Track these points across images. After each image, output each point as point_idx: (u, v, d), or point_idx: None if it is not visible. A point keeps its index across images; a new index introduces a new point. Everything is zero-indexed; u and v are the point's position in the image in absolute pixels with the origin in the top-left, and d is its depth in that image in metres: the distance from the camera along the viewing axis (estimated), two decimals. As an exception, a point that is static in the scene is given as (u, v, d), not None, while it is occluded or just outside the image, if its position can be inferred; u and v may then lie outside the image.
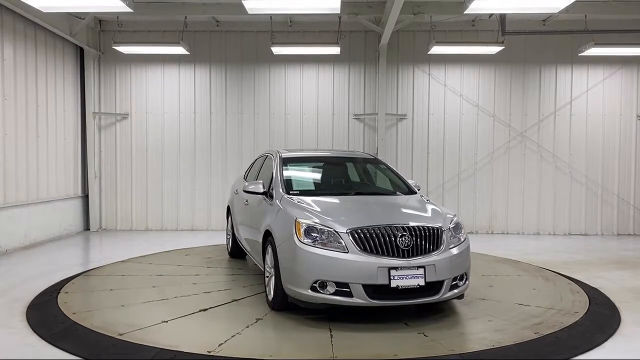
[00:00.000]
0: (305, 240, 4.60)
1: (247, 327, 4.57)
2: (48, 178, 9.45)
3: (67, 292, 5.62)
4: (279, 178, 5.70)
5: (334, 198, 5.50)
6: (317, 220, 4.71)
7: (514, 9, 7.63)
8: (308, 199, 5.27)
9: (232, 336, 4.33)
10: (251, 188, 5.74)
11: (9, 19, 8.30)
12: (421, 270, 4.51)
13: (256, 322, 4.71)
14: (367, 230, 4.59)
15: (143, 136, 10.86)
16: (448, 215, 5.14)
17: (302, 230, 4.65)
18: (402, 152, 10.74)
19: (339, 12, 7.65)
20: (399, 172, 6.67)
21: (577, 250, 8.99)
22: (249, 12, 7.16)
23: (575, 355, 4.07)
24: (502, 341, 4.29)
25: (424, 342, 4.29)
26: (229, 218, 7.74)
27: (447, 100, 10.75)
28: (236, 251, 7.45)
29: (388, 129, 10.65)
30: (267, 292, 5.20)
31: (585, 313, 5.07)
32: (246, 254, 7.43)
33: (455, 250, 4.82)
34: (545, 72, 10.70)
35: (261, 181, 5.82)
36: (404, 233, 4.61)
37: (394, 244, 4.55)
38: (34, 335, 4.46)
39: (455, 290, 4.82)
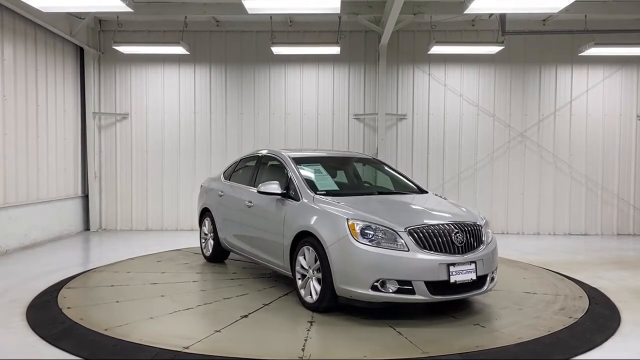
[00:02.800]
0: (362, 240, 4.60)
1: (308, 330, 4.50)
2: (48, 178, 9.45)
3: (68, 306, 5.16)
4: (300, 179, 5.62)
5: (364, 198, 5.54)
6: (371, 220, 4.73)
7: (514, 9, 7.64)
8: (341, 199, 5.26)
9: (305, 340, 4.26)
10: (266, 189, 5.60)
11: (9, 19, 8.30)
12: (473, 265, 4.73)
13: (311, 325, 4.63)
14: (425, 228, 4.71)
15: (143, 136, 10.86)
16: (477, 213, 5.41)
17: (357, 230, 4.64)
18: (402, 152, 10.74)
19: (339, 12, 7.65)
20: (403, 173, 6.77)
21: (577, 250, 8.99)
22: (249, 12, 7.16)
23: (575, 355, 4.07)
24: (553, 327, 4.61)
25: (488, 332, 4.50)
26: (205, 221, 7.34)
27: (447, 100, 10.75)
28: (219, 255, 7.16)
29: (388, 129, 10.66)
30: (302, 294, 5.12)
31: (585, 313, 5.07)
32: (227, 257, 7.27)
33: (492, 245, 5.10)
34: (545, 72, 10.70)
35: (277, 182, 5.66)
36: (457, 230, 4.79)
37: (451, 241, 4.71)
38: (33, 335, 4.45)
39: (493, 283, 5.08)
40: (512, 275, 6.61)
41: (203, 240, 7.47)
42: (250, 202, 6.18)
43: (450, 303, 5.10)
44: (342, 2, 7.00)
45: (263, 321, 4.76)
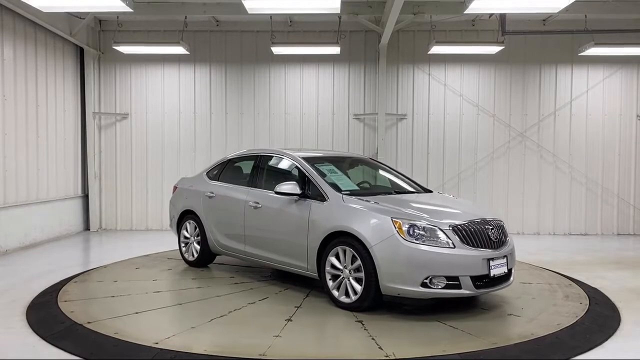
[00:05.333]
0: (410, 239, 4.71)
1: (366, 329, 4.49)
2: (48, 178, 9.45)
3: (88, 320, 4.73)
4: (321, 179, 5.59)
5: (388, 197, 5.60)
6: (416, 218, 4.86)
7: (514, 9, 7.64)
8: (368, 198, 5.31)
9: (372, 338, 4.27)
10: (286, 189, 5.53)
11: (9, 19, 8.30)
12: (505, 259, 5.04)
13: (362, 324, 4.65)
14: (466, 225, 4.90)
15: (143, 136, 10.86)
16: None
17: (404, 228, 4.74)
18: (402, 152, 10.74)
19: (339, 12, 7.64)
20: (403, 173, 6.90)
21: (577, 250, 8.99)
22: (249, 12, 7.16)
23: (575, 355, 4.07)
24: (578, 313, 5.03)
25: (528, 321, 4.80)
26: (187, 224, 7.03)
27: (447, 100, 10.75)
28: (206, 259, 6.89)
29: (388, 129, 10.65)
30: (336, 295, 5.11)
31: (585, 313, 5.07)
32: (212, 261, 7.01)
33: (512, 241, 5.37)
34: (545, 72, 10.70)
35: (294, 182, 5.60)
36: (491, 227, 5.06)
37: (488, 236, 4.96)
38: (34, 335, 4.45)
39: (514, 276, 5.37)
40: None
41: (183, 245, 7.14)
42: (258, 203, 6.03)
43: (467, 297, 5.26)
44: (342, 2, 7.00)
45: (310, 323, 4.74)
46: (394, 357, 3.88)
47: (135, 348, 4.06)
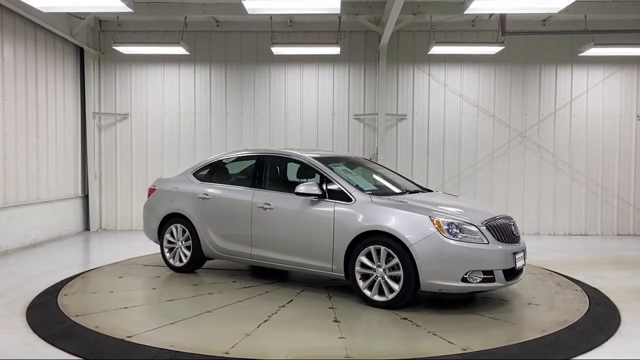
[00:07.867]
0: (449, 236, 4.91)
1: (418, 326, 4.62)
2: (48, 178, 9.45)
3: (128, 335, 4.37)
4: (342, 179, 5.60)
5: (409, 196, 5.74)
6: (454, 217, 5.07)
7: (514, 9, 7.64)
8: (395, 197, 5.48)
9: (433, 334, 4.40)
10: (307, 190, 5.50)
11: (9, 19, 8.31)
12: (523, 253, 5.39)
13: (409, 321, 4.74)
14: (495, 222, 5.20)
15: (143, 136, 10.86)
16: None
17: (444, 227, 4.92)
18: (402, 152, 10.74)
19: (339, 12, 7.64)
20: (401, 173, 6.93)
21: (577, 250, 8.99)
22: (249, 12, 7.16)
23: (575, 355, 4.07)
24: (583, 299, 5.52)
25: (550, 309, 5.19)
26: (172, 229, 6.63)
27: (447, 100, 10.75)
28: (197, 264, 6.56)
29: (388, 129, 10.65)
30: (369, 294, 5.15)
31: (586, 313, 5.07)
32: (202, 266, 6.69)
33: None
34: (545, 72, 10.70)
35: (315, 183, 5.57)
36: (511, 223, 5.41)
37: (511, 232, 5.30)
38: (34, 335, 4.45)
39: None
40: None
41: (168, 250, 6.73)
42: (268, 204, 5.85)
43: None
44: (342, 2, 6.99)
45: (360, 323, 4.82)
46: (471, 350, 4.00)
47: (135, 348, 4.05)
